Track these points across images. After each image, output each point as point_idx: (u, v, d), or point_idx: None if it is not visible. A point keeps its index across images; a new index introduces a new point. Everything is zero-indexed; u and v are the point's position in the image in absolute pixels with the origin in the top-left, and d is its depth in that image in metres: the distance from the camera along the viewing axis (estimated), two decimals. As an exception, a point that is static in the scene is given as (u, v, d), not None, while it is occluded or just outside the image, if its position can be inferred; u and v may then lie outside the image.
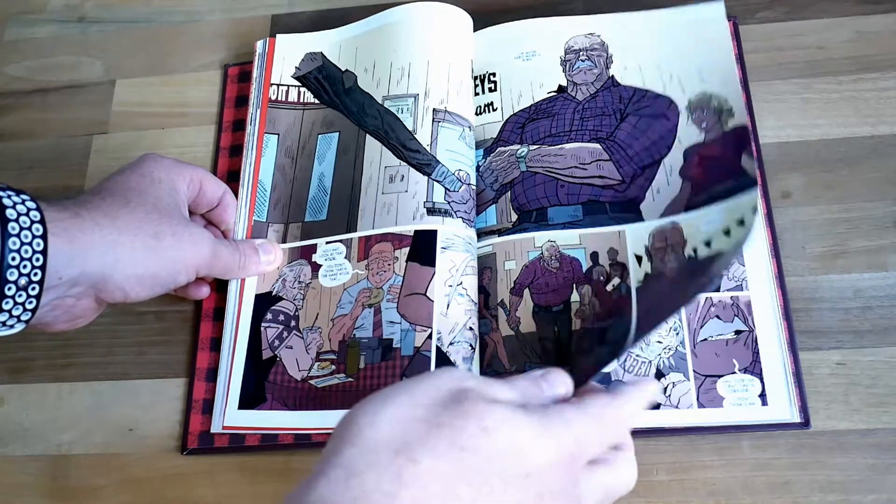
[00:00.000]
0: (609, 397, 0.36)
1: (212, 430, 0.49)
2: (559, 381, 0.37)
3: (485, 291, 0.51)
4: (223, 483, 0.49)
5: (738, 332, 0.48)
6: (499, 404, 0.32)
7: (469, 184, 0.53)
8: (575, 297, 0.50)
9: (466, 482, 0.30)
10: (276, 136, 0.58)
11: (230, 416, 0.49)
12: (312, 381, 0.49)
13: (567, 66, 0.57)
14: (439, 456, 0.30)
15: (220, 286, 0.53)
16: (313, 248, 0.53)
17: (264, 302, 0.52)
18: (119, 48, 0.65)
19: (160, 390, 0.52)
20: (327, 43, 0.60)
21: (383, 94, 0.56)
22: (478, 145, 0.56)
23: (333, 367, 0.50)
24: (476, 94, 0.57)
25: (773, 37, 0.57)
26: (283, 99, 0.59)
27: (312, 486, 0.30)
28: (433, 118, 0.54)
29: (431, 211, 0.52)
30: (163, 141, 0.60)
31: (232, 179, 0.57)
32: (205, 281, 0.53)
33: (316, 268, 0.53)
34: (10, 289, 0.39)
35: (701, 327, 0.48)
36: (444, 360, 0.48)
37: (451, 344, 0.48)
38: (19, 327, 0.41)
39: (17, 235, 0.39)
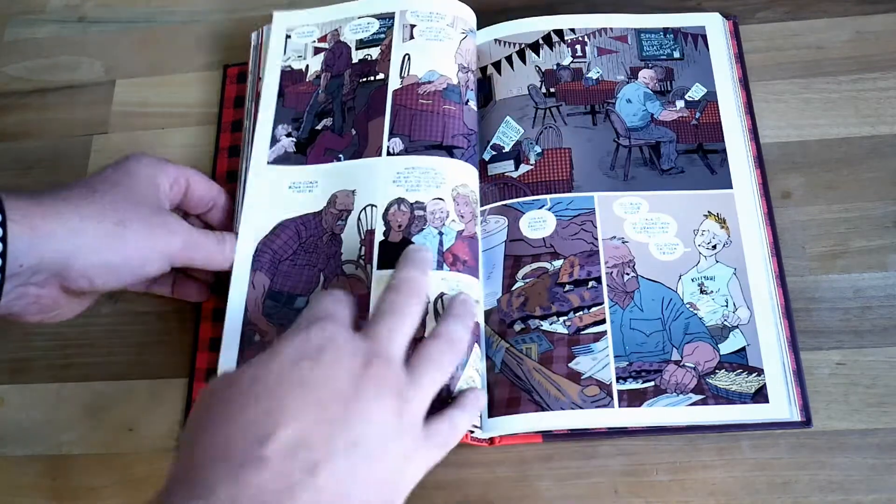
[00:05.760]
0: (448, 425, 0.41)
1: (212, 431, 0.49)
2: None
3: None
4: (223, 483, 0.49)
5: (737, 332, 0.48)
6: None
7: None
8: None
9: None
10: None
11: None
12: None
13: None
14: None
15: (220, 287, 0.53)
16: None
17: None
18: (119, 48, 0.65)
19: (160, 390, 0.52)
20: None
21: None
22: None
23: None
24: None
25: (773, 37, 0.57)
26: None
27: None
28: None
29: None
30: (163, 141, 0.60)
31: (231, 180, 0.57)
32: (202, 282, 0.53)
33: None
34: None
35: (701, 327, 0.48)
36: None
37: None
38: None
39: None
